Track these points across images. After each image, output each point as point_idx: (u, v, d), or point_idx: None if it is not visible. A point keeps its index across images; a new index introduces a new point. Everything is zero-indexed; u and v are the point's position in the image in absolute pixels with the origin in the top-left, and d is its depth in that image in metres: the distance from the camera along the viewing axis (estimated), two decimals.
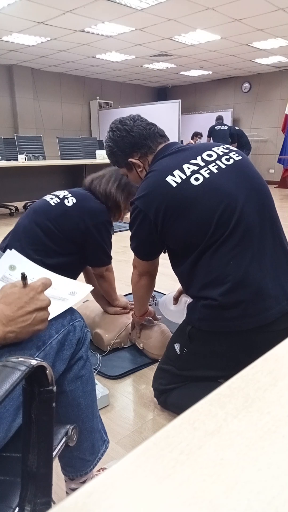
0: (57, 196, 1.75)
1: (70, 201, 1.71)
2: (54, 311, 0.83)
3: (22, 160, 5.79)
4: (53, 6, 5.21)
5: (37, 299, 0.72)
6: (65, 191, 1.79)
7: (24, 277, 0.73)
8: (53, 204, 1.72)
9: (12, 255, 0.95)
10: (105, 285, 1.93)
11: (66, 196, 1.74)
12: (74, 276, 1.77)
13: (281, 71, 9.51)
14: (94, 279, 1.97)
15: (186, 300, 1.70)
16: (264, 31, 6.32)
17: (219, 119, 8.62)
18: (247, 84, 10.21)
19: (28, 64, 8.65)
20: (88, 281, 2.04)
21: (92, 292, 2.01)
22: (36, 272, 0.92)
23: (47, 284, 0.76)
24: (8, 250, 0.96)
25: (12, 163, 5.73)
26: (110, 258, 1.83)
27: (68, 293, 0.89)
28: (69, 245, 1.69)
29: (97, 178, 1.82)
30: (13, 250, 0.96)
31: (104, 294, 1.98)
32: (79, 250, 1.73)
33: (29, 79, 9.04)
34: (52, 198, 1.76)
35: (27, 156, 6.08)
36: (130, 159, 1.50)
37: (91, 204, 1.73)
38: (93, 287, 0.94)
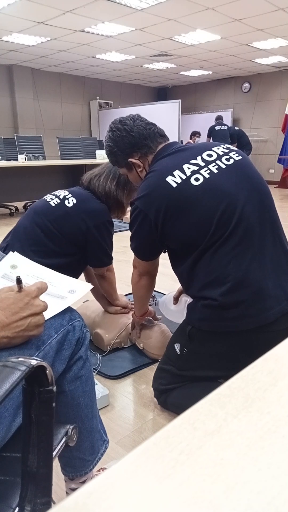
0: (57, 197, 1.75)
1: (71, 202, 1.71)
2: (53, 309, 0.83)
3: (22, 160, 5.79)
4: (53, 6, 5.21)
5: (31, 304, 0.72)
6: (65, 191, 1.78)
7: (19, 281, 0.73)
8: (53, 204, 1.72)
9: (14, 256, 0.95)
10: (106, 285, 1.93)
11: (66, 197, 1.73)
12: (75, 277, 1.78)
13: (281, 71, 9.50)
14: (94, 278, 1.97)
15: (186, 300, 1.70)
16: (264, 31, 6.32)
17: (219, 119, 8.62)
18: (247, 84, 10.21)
19: (28, 64, 8.65)
20: (89, 281, 2.04)
21: (93, 291, 2.01)
22: (37, 271, 0.92)
23: (42, 289, 0.76)
24: (10, 252, 0.96)
25: (12, 163, 5.73)
26: (111, 258, 1.83)
27: (68, 291, 0.89)
28: (69, 246, 1.69)
29: (95, 177, 1.80)
30: (15, 252, 0.96)
31: (104, 294, 1.98)
32: (79, 250, 1.72)
33: (29, 79, 9.04)
34: (52, 199, 1.75)
35: (27, 156, 6.08)
36: (130, 159, 1.50)
37: (91, 204, 1.73)
38: (92, 286, 0.94)
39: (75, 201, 1.71)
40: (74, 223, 1.67)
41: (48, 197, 1.78)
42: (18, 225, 1.76)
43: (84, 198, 1.74)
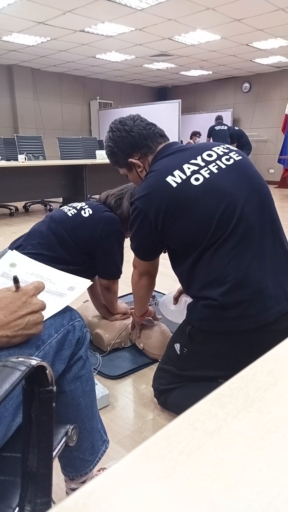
0: (75, 208, 1.81)
1: (87, 212, 1.77)
2: (53, 307, 0.83)
3: (22, 160, 5.79)
4: (53, 6, 5.21)
5: (29, 302, 0.73)
6: (82, 203, 1.85)
7: (16, 280, 0.73)
8: (70, 215, 1.78)
9: (13, 254, 0.95)
10: (110, 296, 1.94)
11: (83, 207, 1.79)
12: None
13: (281, 71, 9.50)
14: (98, 288, 1.97)
15: (186, 300, 1.70)
16: (264, 31, 6.32)
17: (219, 119, 8.62)
18: (247, 84, 10.21)
19: (28, 64, 8.65)
20: (90, 292, 2.02)
21: (93, 301, 2.02)
22: (36, 269, 0.92)
23: (39, 288, 0.76)
24: (9, 251, 0.96)
25: (12, 163, 5.73)
26: (120, 272, 1.86)
27: (67, 288, 0.89)
28: (81, 255, 1.73)
29: (113, 196, 1.87)
30: (14, 251, 0.97)
31: (106, 303, 2.00)
32: (90, 260, 1.76)
33: (29, 79, 9.04)
34: (69, 210, 1.81)
35: (27, 156, 6.08)
36: (130, 159, 1.50)
37: (107, 214, 1.78)
38: (91, 282, 0.94)
39: (91, 212, 1.77)
40: (88, 230, 1.73)
41: (66, 208, 1.84)
42: (34, 229, 1.81)
43: (99, 208, 1.80)
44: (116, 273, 1.85)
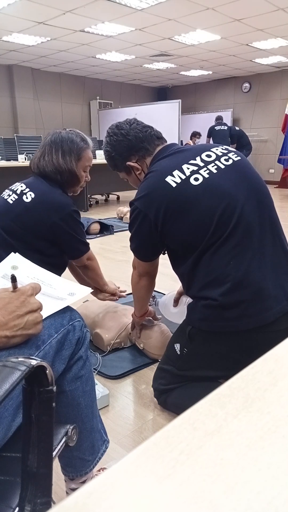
0: (14, 192, 1.68)
1: (29, 197, 1.63)
2: (52, 309, 0.83)
3: (22, 160, 5.79)
4: (53, 6, 5.21)
5: (28, 302, 0.72)
6: (21, 184, 1.71)
7: (13, 279, 0.73)
8: (11, 202, 1.65)
9: (15, 257, 0.96)
10: (91, 274, 1.86)
11: (23, 191, 1.66)
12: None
13: (281, 71, 9.50)
14: (79, 273, 1.92)
15: (186, 300, 1.69)
16: (264, 31, 6.32)
17: (219, 119, 8.62)
18: (247, 84, 10.21)
19: (28, 64, 8.65)
20: (76, 278, 1.99)
21: (79, 281, 1.94)
22: (38, 273, 0.92)
23: (36, 288, 0.76)
24: (12, 253, 0.96)
25: (12, 163, 5.73)
26: (87, 244, 1.75)
27: (67, 293, 0.89)
28: (39, 242, 1.63)
29: (39, 159, 1.71)
30: (17, 253, 0.97)
31: (92, 283, 1.90)
32: (51, 245, 1.66)
33: (29, 79, 9.04)
34: (10, 195, 1.68)
35: (27, 156, 6.08)
36: (128, 163, 1.50)
37: (52, 197, 1.64)
38: (92, 290, 0.94)
39: (33, 195, 1.63)
40: (36, 217, 1.60)
41: (5, 194, 1.70)
42: None
43: (43, 191, 1.66)
44: (82, 248, 1.73)
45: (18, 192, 1.67)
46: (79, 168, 1.74)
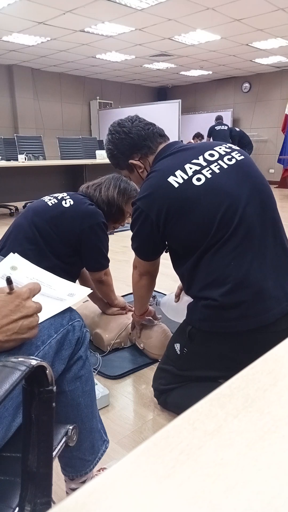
0: (56, 197, 1.78)
1: (68, 203, 1.73)
2: (52, 310, 0.83)
3: (22, 160, 5.79)
4: (53, 6, 5.21)
5: (23, 306, 0.69)
6: (64, 193, 1.81)
7: (9, 281, 0.70)
8: (50, 204, 1.74)
9: (15, 257, 0.95)
10: (105, 289, 1.93)
11: (64, 198, 1.76)
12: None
13: (281, 71, 9.50)
14: (91, 283, 1.96)
15: (188, 299, 1.69)
16: (264, 31, 6.32)
17: (219, 119, 8.62)
18: (247, 84, 10.21)
19: (28, 64, 8.65)
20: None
21: (89, 296, 1.99)
22: (37, 274, 0.92)
23: (34, 290, 0.72)
24: (11, 253, 0.96)
25: (12, 163, 5.72)
26: (108, 261, 1.83)
27: (67, 294, 0.89)
28: (64, 248, 1.70)
29: (93, 185, 1.85)
30: (16, 254, 0.96)
31: (103, 297, 1.98)
32: (74, 254, 1.73)
33: (29, 79, 9.04)
34: (50, 199, 1.78)
35: (27, 156, 6.08)
36: (131, 161, 1.50)
37: (86, 206, 1.75)
38: (91, 290, 0.94)
39: (72, 203, 1.73)
40: (68, 223, 1.69)
41: (46, 198, 1.81)
42: (15, 224, 1.78)
43: (81, 201, 1.76)
44: (104, 263, 1.81)
45: (59, 198, 1.77)
46: (126, 209, 1.85)
